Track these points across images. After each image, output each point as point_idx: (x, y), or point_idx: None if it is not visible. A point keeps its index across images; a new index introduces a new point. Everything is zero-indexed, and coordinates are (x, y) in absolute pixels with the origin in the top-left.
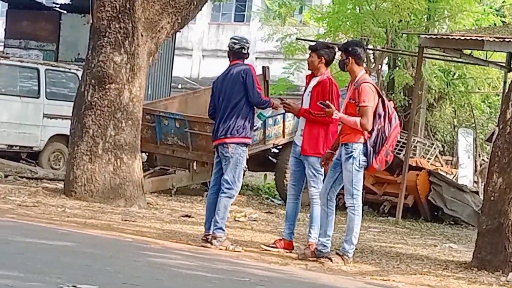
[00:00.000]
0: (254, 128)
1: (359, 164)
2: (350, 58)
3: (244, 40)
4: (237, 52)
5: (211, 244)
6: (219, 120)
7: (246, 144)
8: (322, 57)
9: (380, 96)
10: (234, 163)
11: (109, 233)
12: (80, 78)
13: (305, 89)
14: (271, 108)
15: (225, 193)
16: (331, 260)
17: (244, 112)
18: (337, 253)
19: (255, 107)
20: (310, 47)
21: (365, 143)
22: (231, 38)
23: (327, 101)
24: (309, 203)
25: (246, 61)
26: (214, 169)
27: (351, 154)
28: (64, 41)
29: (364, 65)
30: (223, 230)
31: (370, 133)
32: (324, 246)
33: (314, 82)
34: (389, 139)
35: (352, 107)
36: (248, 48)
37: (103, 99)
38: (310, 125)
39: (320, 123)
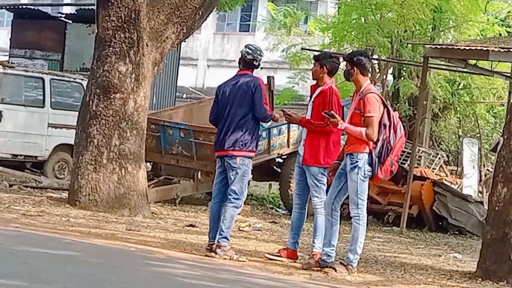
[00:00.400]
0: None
1: (364, 174)
2: (355, 68)
3: (258, 52)
4: (248, 62)
5: (215, 253)
6: (225, 131)
7: (251, 157)
8: (325, 67)
9: (385, 106)
10: (242, 174)
11: (114, 243)
12: (85, 88)
13: (310, 99)
14: (275, 121)
15: (232, 203)
16: (335, 270)
17: (252, 126)
18: (341, 263)
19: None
20: (314, 57)
21: (370, 153)
22: (245, 46)
23: (332, 111)
24: (314, 213)
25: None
26: (217, 178)
27: (356, 164)
28: (69, 51)
29: (369, 75)
30: (228, 239)
31: (375, 143)
32: (329, 256)
33: (317, 92)
34: (394, 149)
35: (358, 117)
36: (260, 60)
37: (108, 108)
38: (311, 135)
39: (321, 133)
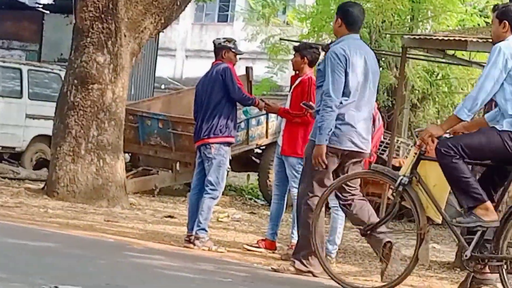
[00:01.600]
0: (238, 124)
1: None
2: None
3: (228, 40)
4: (217, 51)
5: (194, 244)
6: (201, 121)
7: (229, 144)
8: (305, 57)
9: None
10: (217, 164)
11: (92, 234)
12: (63, 79)
13: (290, 89)
14: (257, 107)
15: (209, 194)
16: None
17: (226, 111)
18: None
19: (237, 106)
20: (294, 48)
21: None
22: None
23: (310, 102)
24: (292, 204)
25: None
26: (196, 169)
27: None
28: (47, 41)
29: None
30: (206, 230)
31: None
32: None
33: (296, 82)
34: (372, 140)
35: None
36: (231, 47)
37: (85, 99)
38: (289, 126)
39: (300, 123)
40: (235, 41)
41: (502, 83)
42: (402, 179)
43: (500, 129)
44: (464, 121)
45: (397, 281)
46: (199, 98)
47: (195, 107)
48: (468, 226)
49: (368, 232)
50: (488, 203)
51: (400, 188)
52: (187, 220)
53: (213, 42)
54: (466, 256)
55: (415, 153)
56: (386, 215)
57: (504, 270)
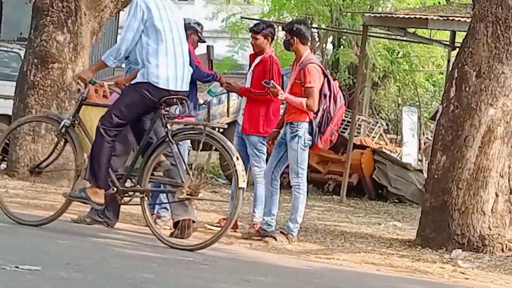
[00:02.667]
0: (204, 104)
1: (304, 143)
2: (295, 38)
3: (198, 24)
4: None
5: (156, 223)
6: None
7: None
8: (268, 37)
9: (325, 76)
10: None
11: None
12: (22, 58)
13: (249, 68)
14: (219, 82)
15: None
16: (276, 239)
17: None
18: (281, 232)
19: (197, 83)
20: (254, 29)
21: (310, 122)
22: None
23: (272, 81)
24: (253, 182)
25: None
26: None
27: (296, 133)
28: (7, 20)
29: (309, 44)
30: (168, 210)
31: (316, 113)
32: (269, 225)
33: (257, 60)
34: (334, 119)
35: (298, 87)
36: (195, 30)
37: (46, 78)
38: (250, 104)
39: (261, 102)
40: (203, 27)
41: (141, 35)
42: (65, 122)
43: (134, 82)
44: (109, 66)
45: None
46: None
47: None
48: (77, 200)
49: (36, 169)
50: (102, 191)
51: (63, 130)
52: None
53: (183, 19)
54: (113, 190)
55: (77, 99)
56: (50, 153)
57: (145, 201)
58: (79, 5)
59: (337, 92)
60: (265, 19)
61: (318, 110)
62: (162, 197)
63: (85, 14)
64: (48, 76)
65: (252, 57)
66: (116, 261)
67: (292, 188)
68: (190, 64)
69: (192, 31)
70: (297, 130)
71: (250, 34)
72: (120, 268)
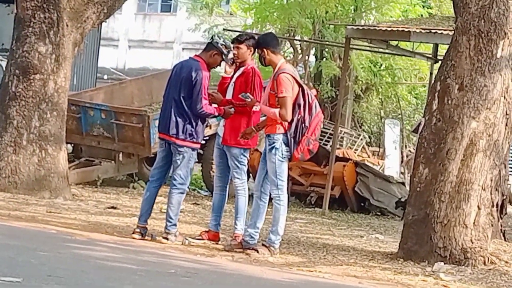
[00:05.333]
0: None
1: (282, 154)
2: (265, 49)
3: (226, 47)
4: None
5: (167, 239)
6: (169, 113)
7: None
8: (251, 48)
9: (300, 85)
10: (188, 158)
11: (34, 225)
12: (4, 69)
13: (230, 80)
14: (223, 117)
15: (178, 189)
16: (258, 252)
17: (196, 116)
18: (263, 244)
19: None
20: (238, 39)
21: (285, 133)
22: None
23: (248, 93)
24: (235, 195)
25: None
26: (159, 162)
27: (273, 145)
28: None
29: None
30: (176, 225)
31: (290, 123)
32: (252, 237)
33: (238, 72)
34: (309, 128)
35: (273, 98)
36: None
37: (27, 89)
38: (231, 116)
39: (242, 113)
40: (231, 50)
41: None
42: None
43: None
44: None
45: None
46: (174, 80)
47: (167, 89)
48: None
49: None
50: None
51: None
52: (140, 212)
53: (212, 36)
54: None
55: None
56: None
57: None
58: (61, 16)
59: (312, 101)
60: (248, 31)
61: (292, 120)
62: (171, 212)
63: (67, 25)
64: (30, 87)
65: (235, 69)
66: (96, 272)
67: (272, 200)
68: (198, 96)
69: (216, 52)
70: (274, 142)
71: (233, 44)
72: (100, 280)
